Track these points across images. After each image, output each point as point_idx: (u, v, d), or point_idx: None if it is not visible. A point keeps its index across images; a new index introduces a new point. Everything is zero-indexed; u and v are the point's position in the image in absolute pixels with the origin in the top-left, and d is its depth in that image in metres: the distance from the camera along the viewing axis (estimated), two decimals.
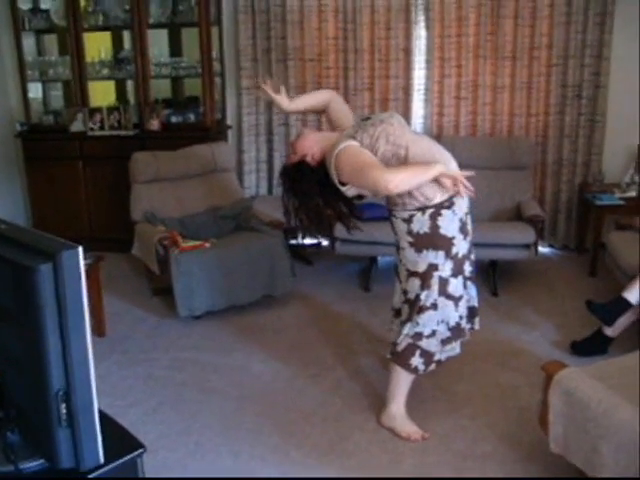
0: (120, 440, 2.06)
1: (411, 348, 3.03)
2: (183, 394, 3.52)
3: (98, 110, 5.66)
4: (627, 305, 3.56)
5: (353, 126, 3.08)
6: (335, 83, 5.59)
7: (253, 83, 5.63)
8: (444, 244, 2.94)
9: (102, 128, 5.67)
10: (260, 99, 5.68)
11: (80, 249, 1.70)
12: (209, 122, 5.58)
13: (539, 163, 5.47)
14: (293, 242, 5.70)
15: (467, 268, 3.05)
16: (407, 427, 3.11)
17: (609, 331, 3.69)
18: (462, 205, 2.97)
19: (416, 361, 3.04)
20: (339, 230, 4.68)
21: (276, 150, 5.81)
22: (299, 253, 5.48)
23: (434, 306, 2.98)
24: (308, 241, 5.80)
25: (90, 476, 1.58)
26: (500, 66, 5.33)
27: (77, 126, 5.65)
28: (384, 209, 4.98)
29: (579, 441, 2.38)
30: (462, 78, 5.41)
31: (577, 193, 5.42)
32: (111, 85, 6.03)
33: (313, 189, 3.05)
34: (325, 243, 5.72)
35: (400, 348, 3.06)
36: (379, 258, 5.24)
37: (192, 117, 5.70)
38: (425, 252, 2.95)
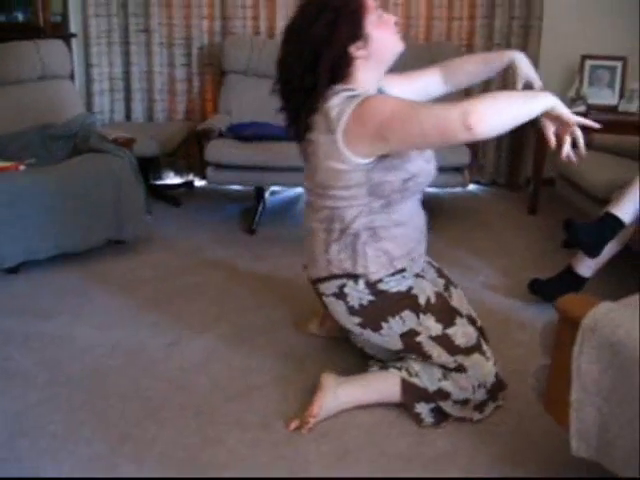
0: None
1: (422, 395, 1.97)
2: None
3: None
4: (619, 224, 2.55)
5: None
6: None
7: None
8: (403, 303, 1.97)
9: None
10: None
11: None
12: (42, 22, 4.21)
13: None
14: (157, 183, 4.46)
15: (458, 303, 2.16)
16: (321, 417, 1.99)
17: (583, 268, 2.70)
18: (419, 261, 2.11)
19: (424, 412, 1.97)
20: (210, 151, 3.52)
21: (135, 63, 4.49)
22: (164, 194, 4.23)
23: (460, 369, 1.94)
24: (176, 180, 4.55)
25: None
26: None
27: None
28: (275, 127, 3.83)
29: (634, 430, 1.29)
30: None
31: None
32: None
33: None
34: (199, 183, 4.50)
35: (405, 378, 2.00)
36: (267, 194, 4.08)
37: (20, 17, 4.33)
38: (385, 326, 1.95)
